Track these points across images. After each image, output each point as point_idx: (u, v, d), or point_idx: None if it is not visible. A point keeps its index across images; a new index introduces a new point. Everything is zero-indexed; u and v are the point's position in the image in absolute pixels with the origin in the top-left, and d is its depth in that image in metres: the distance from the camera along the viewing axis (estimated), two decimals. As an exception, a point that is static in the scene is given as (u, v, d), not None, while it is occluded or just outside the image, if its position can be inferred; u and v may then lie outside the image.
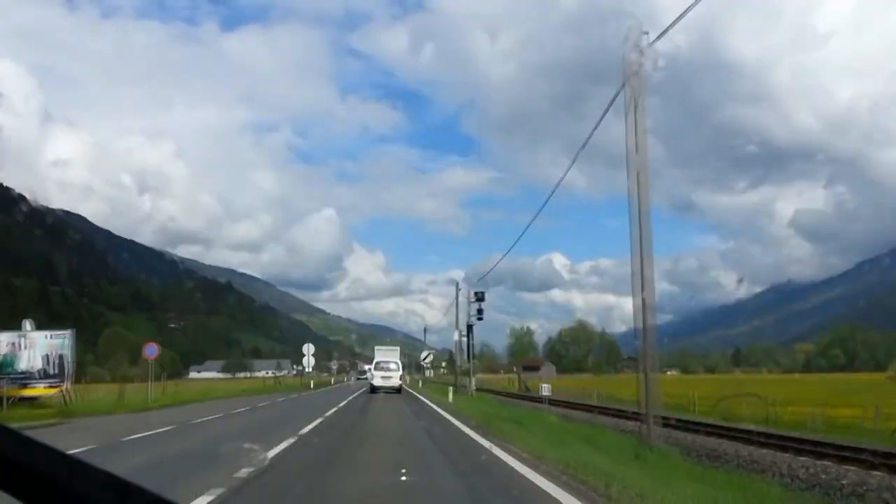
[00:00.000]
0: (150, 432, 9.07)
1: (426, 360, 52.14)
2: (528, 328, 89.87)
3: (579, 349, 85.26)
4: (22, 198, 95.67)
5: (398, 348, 36.95)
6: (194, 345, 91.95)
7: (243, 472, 4.93)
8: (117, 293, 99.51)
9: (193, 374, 67.61)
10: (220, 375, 72.24)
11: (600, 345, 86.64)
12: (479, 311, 28.59)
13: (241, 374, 73.01)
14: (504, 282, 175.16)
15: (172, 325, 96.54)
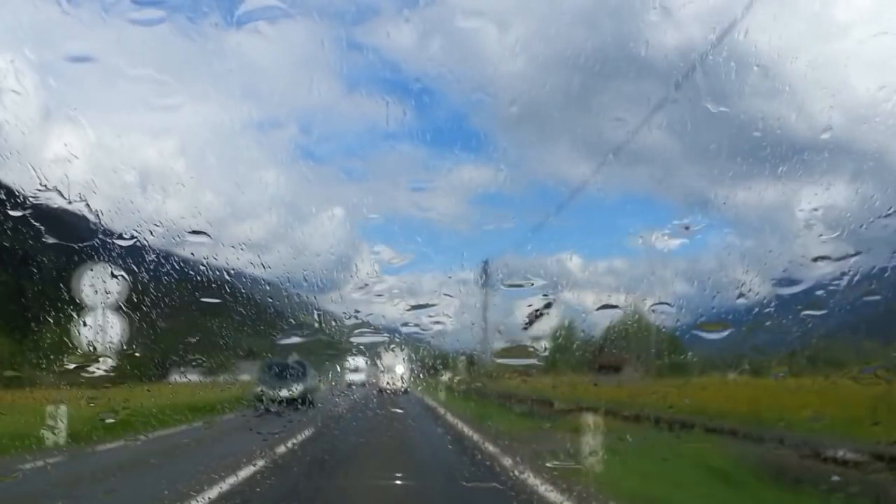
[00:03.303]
0: None
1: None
2: (567, 324, 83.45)
3: (630, 348, 79.39)
4: (11, 194, 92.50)
5: (404, 351, 34.70)
6: (185, 346, 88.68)
7: None
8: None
9: (175, 378, 63.89)
10: (201, 379, 68.43)
11: (657, 342, 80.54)
12: None
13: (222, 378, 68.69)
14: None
15: (162, 325, 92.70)
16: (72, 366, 7.06)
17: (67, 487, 5.98)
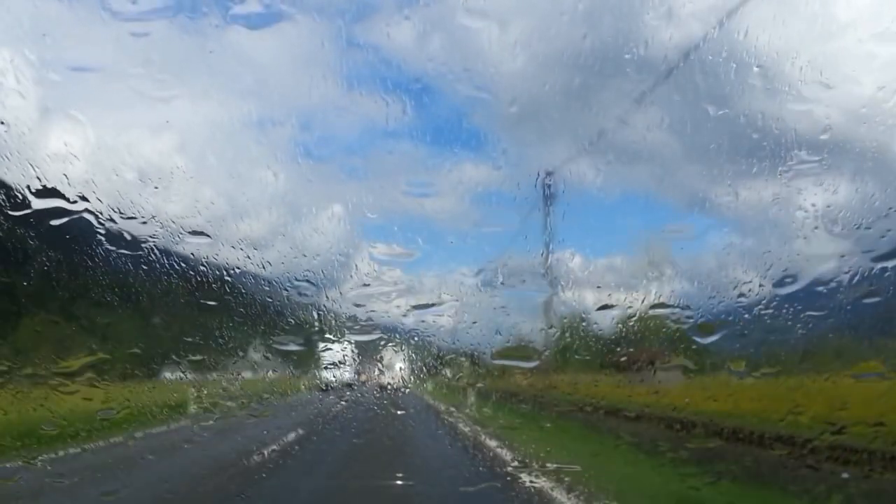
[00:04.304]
0: None
1: None
2: (566, 320, 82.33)
3: (642, 346, 78.17)
4: (11, 194, 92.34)
5: (405, 350, 35.28)
6: (183, 343, 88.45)
7: None
8: (101, 288, 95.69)
9: (167, 375, 63.75)
10: (191, 377, 68.56)
11: (674, 341, 78.83)
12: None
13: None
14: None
15: (156, 321, 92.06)
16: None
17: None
